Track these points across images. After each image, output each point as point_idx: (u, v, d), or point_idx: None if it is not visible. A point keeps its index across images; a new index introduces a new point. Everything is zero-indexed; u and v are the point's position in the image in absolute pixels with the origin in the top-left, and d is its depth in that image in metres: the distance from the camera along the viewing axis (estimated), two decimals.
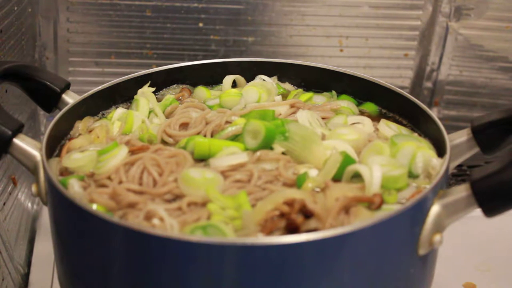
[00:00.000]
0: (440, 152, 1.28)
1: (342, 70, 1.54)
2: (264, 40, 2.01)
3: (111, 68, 2.01)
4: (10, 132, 1.27)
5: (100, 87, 1.45)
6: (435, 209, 1.15)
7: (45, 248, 1.65)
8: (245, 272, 1.05)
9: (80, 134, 1.38)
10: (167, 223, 1.10)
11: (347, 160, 1.22)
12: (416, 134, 1.37)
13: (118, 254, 1.11)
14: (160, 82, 1.54)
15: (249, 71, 1.57)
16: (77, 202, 1.11)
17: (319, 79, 1.56)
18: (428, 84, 2.10)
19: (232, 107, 1.45)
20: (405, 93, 1.44)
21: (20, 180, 1.73)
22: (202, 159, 1.27)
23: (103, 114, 1.46)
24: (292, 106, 1.44)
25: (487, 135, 1.30)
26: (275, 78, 1.58)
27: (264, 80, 1.54)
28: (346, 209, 1.14)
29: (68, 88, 1.47)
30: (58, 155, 1.33)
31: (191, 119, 1.39)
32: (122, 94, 1.50)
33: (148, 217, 1.12)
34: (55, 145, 1.35)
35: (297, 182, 1.21)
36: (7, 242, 1.53)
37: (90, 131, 1.38)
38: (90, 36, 1.97)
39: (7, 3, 1.66)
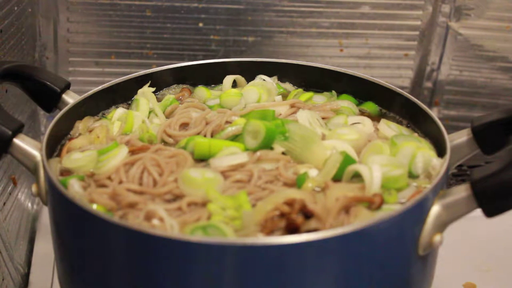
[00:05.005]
0: (440, 152, 1.28)
1: (342, 70, 1.54)
2: (264, 40, 2.01)
3: (111, 68, 2.01)
4: (10, 132, 1.27)
5: (100, 87, 1.45)
6: (435, 209, 1.15)
7: (45, 248, 1.65)
8: (245, 272, 1.05)
9: (80, 134, 1.38)
10: (167, 223, 1.10)
11: (347, 160, 1.22)
12: (416, 134, 1.37)
13: (118, 254, 1.11)
14: (160, 82, 1.54)
15: (249, 71, 1.57)
16: (77, 202, 1.11)
17: (319, 79, 1.56)
18: (428, 84, 2.10)
19: (232, 107, 1.45)
20: (405, 93, 1.44)
21: (20, 180, 1.73)
22: (202, 159, 1.27)
23: (103, 114, 1.46)
24: (292, 106, 1.44)
25: (487, 135, 1.30)
26: (275, 78, 1.58)
27: (264, 80, 1.54)
28: (346, 209, 1.14)
29: (68, 88, 1.47)
30: (58, 155, 1.33)
31: (191, 119, 1.39)
32: (122, 94, 1.49)
33: (148, 217, 1.12)
34: (55, 145, 1.35)
35: (297, 182, 1.21)
36: (7, 242, 1.53)
37: (90, 131, 1.38)
38: (90, 36, 1.97)
39: (7, 3, 1.66)
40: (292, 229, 1.10)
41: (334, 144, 1.28)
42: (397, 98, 1.45)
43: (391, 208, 1.16)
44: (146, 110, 1.43)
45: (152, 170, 1.22)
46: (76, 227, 1.16)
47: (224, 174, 1.22)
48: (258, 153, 1.26)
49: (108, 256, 1.13)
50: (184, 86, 1.57)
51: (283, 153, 1.27)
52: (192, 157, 1.26)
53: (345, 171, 1.21)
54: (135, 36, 1.98)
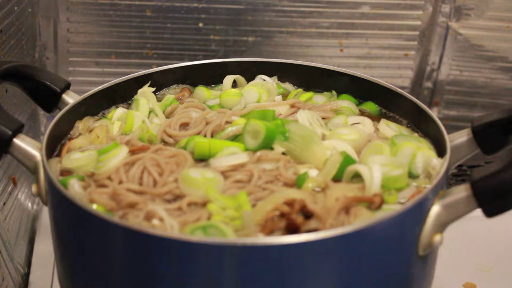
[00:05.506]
0: (440, 152, 1.28)
1: (342, 70, 1.54)
2: (264, 40, 2.01)
3: (111, 68, 2.01)
4: (10, 132, 1.27)
5: (100, 87, 1.45)
6: (435, 209, 1.15)
7: (45, 248, 1.65)
8: (245, 272, 1.05)
9: (80, 134, 1.38)
10: (167, 223, 1.10)
11: (347, 160, 1.22)
12: (416, 134, 1.37)
13: (118, 254, 1.11)
14: (160, 82, 1.54)
15: (249, 71, 1.57)
16: (77, 202, 1.11)
17: (319, 79, 1.56)
18: (428, 84, 2.10)
19: (232, 107, 1.45)
20: (405, 93, 1.44)
21: (20, 180, 1.73)
22: (202, 159, 1.27)
23: (103, 114, 1.46)
24: (292, 106, 1.44)
25: (487, 135, 1.30)
26: (275, 78, 1.58)
27: (264, 80, 1.54)
28: (346, 209, 1.14)
29: (68, 88, 1.47)
30: (58, 155, 1.33)
31: (191, 119, 1.39)
32: (122, 94, 1.49)
33: (148, 217, 1.12)
34: (55, 145, 1.35)
35: (297, 182, 1.21)
36: (7, 242, 1.53)
37: (90, 131, 1.38)
38: (90, 36, 1.97)
39: (7, 3, 1.66)
40: (292, 229, 1.10)
41: (334, 144, 1.28)
42: (397, 98, 1.45)
43: (391, 208, 1.16)
44: (146, 110, 1.43)
45: (152, 170, 1.22)
46: (76, 227, 1.16)
47: (224, 174, 1.22)
48: (258, 153, 1.26)
49: (108, 256, 1.13)
50: (184, 86, 1.57)
51: (283, 153, 1.27)
52: (192, 157, 1.26)
53: (345, 171, 1.21)
54: (135, 36, 1.98)
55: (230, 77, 1.55)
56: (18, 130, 1.28)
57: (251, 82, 1.53)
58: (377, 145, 1.29)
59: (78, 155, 1.28)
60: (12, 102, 1.68)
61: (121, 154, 1.26)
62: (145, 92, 1.48)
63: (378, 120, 1.41)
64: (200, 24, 1.97)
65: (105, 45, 1.99)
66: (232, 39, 1.99)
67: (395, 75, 2.08)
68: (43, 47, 1.95)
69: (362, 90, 1.51)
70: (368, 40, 2.03)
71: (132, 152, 1.28)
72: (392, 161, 1.24)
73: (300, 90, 1.55)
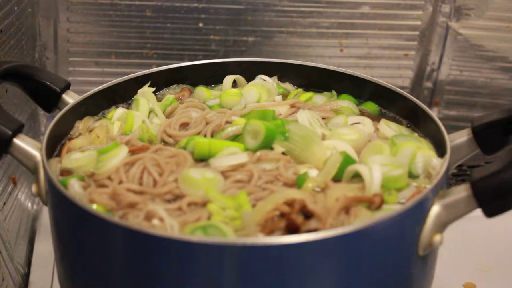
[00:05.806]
0: (440, 152, 1.28)
1: (342, 70, 1.54)
2: (264, 40, 2.01)
3: (111, 68, 2.01)
4: (10, 132, 1.27)
5: (100, 87, 1.45)
6: (435, 209, 1.15)
7: (45, 248, 1.65)
8: (245, 272, 1.05)
9: (80, 134, 1.38)
10: (167, 223, 1.10)
11: (347, 160, 1.22)
12: (416, 134, 1.37)
13: (118, 254, 1.11)
14: (160, 82, 1.54)
15: (249, 71, 1.57)
16: (77, 202, 1.11)
17: (319, 79, 1.56)
18: (428, 84, 2.10)
19: (232, 107, 1.45)
20: (405, 93, 1.44)
21: (20, 180, 1.73)
22: (202, 159, 1.27)
23: (103, 114, 1.46)
24: (292, 106, 1.44)
25: (487, 135, 1.30)
26: (275, 78, 1.58)
27: (264, 80, 1.54)
28: (346, 209, 1.14)
29: (68, 88, 1.47)
30: (58, 155, 1.33)
31: (191, 119, 1.39)
32: (122, 94, 1.49)
33: (148, 217, 1.12)
34: (55, 145, 1.35)
35: (297, 182, 1.21)
36: (7, 242, 1.53)
37: (90, 131, 1.38)
38: (90, 36, 1.97)
39: (7, 3, 1.66)
40: (292, 229, 1.10)
41: (334, 144, 1.28)
42: (397, 98, 1.45)
43: (391, 208, 1.16)
44: (146, 110, 1.43)
45: (152, 170, 1.22)
46: (76, 227, 1.16)
47: (224, 174, 1.22)
48: (258, 153, 1.26)
49: (108, 256, 1.13)
50: (184, 86, 1.57)
51: (283, 153, 1.27)
52: (192, 157, 1.26)
53: (345, 171, 1.21)
54: (135, 36, 1.98)
55: (230, 77, 1.55)
56: (18, 130, 1.28)
57: (251, 82, 1.53)
58: (377, 145, 1.29)
59: (78, 155, 1.28)
60: (12, 102, 1.68)
61: (121, 154, 1.26)
62: (145, 92, 1.48)
63: (378, 120, 1.41)
64: (200, 24, 1.97)
65: (105, 45, 1.99)
66: (232, 39, 1.99)
67: (395, 75, 2.08)
68: (43, 47, 1.95)
69: (362, 90, 1.51)
70: (368, 40, 2.03)
71: (132, 152, 1.28)
72: (392, 161, 1.24)
73: (300, 90, 1.55)
